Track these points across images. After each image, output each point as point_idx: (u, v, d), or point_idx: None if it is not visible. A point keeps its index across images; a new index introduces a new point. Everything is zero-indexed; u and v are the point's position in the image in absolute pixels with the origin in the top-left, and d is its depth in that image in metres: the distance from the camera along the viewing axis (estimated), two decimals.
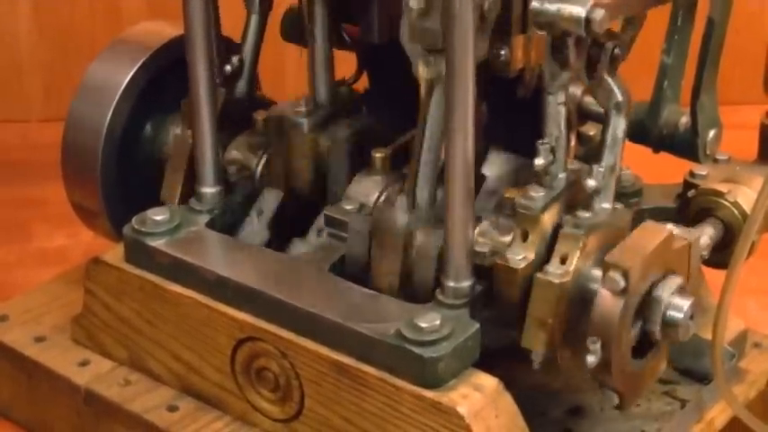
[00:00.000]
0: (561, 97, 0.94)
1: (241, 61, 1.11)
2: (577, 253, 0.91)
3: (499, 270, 0.93)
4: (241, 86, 1.12)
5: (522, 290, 0.92)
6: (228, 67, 1.11)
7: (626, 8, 0.93)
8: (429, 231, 0.96)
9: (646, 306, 0.91)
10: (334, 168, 1.05)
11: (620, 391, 0.92)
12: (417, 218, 0.97)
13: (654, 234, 0.91)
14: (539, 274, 0.91)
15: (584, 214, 0.93)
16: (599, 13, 0.88)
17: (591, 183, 0.94)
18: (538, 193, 0.93)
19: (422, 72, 0.94)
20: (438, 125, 0.95)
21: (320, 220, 1.03)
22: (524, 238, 0.93)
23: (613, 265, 0.88)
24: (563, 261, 0.92)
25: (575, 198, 0.95)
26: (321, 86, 1.07)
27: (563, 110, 0.94)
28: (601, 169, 0.95)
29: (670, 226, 0.93)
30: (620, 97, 0.96)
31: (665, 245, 0.91)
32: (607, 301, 0.89)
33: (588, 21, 0.88)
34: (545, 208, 0.93)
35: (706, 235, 0.99)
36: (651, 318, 0.91)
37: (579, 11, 0.88)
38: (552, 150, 0.94)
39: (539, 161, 0.94)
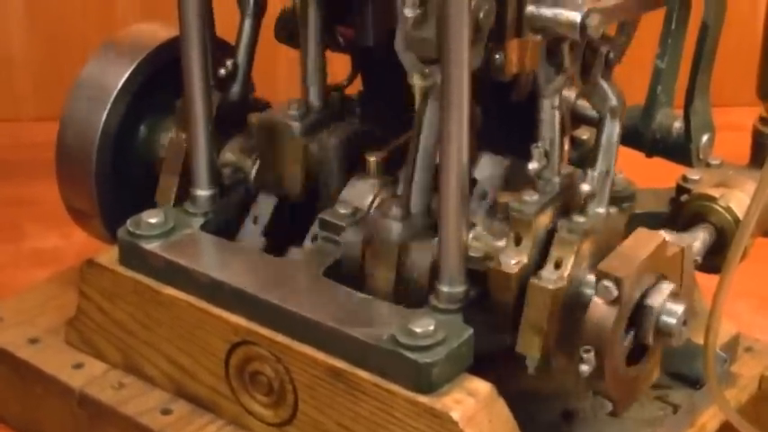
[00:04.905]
0: (556, 101, 0.94)
1: (235, 64, 1.11)
2: (572, 258, 0.91)
3: (493, 275, 0.93)
4: (235, 89, 1.12)
5: (517, 294, 0.93)
6: (223, 71, 1.11)
7: (621, 13, 0.94)
8: (423, 241, 0.97)
9: (639, 312, 0.91)
10: (327, 173, 1.05)
11: (614, 399, 0.92)
12: (411, 227, 0.97)
13: (647, 242, 0.91)
14: (533, 280, 0.91)
15: (579, 219, 0.94)
16: (594, 19, 0.89)
17: (585, 187, 0.94)
18: (531, 198, 0.94)
19: (417, 82, 0.94)
20: (433, 133, 0.95)
21: (315, 227, 1.03)
22: (518, 242, 0.93)
23: (606, 274, 0.88)
24: (557, 266, 0.92)
25: (569, 202, 0.96)
26: (313, 90, 1.07)
27: (557, 114, 0.95)
28: (595, 174, 0.95)
29: (663, 232, 0.93)
30: (614, 102, 0.96)
31: (658, 252, 0.91)
32: (600, 310, 0.89)
33: (584, 26, 0.89)
34: (538, 212, 0.93)
35: (699, 240, 0.99)
36: (644, 324, 0.91)
37: (575, 16, 0.89)
38: (546, 154, 0.95)
39: (533, 165, 0.94)
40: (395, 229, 0.97)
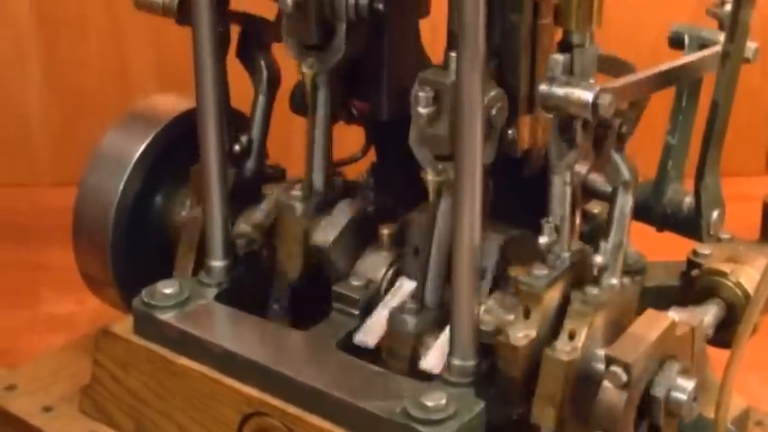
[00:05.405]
0: (567, 177, 0.95)
1: (250, 140, 1.13)
2: (585, 329, 0.92)
3: (501, 347, 0.94)
4: (250, 165, 1.13)
5: (524, 367, 0.93)
6: (237, 147, 1.12)
7: (632, 92, 0.95)
8: (437, 334, 0.98)
9: (648, 399, 0.92)
10: (336, 251, 1.06)
11: None
12: (425, 320, 0.98)
13: (655, 324, 0.92)
14: (547, 351, 0.92)
15: (593, 290, 0.94)
16: (606, 98, 0.89)
17: (598, 259, 0.95)
18: (541, 272, 0.94)
19: (431, 178, 0.95)
20: (447, 227, 0.96)
21: None
22: (526, 315, 0.94)
23: (615, 360, 0.89)
24: (571, 337, 0.92)
25: (581, 275, 0.96)
26: (318, 171, 1.08)
27: (568, 190, 0.95)
28: (608, 245, 0.96)
29: (672, 312, 0.94)
30: (627, 176, 0.96)
31: (666, 334, 0.91)
32: (611, 395, 0.89)
33: (595, 105, 0.89)
34: (548, 286, 0.94)
35: (710, 314, 1.00)
36: (654, 402, 0.92)
37: (587, 95, 0.89)
38: (556, 229, 0.95)
39: (543, 239, 0.95)
40: (410, 322, 0.98)
